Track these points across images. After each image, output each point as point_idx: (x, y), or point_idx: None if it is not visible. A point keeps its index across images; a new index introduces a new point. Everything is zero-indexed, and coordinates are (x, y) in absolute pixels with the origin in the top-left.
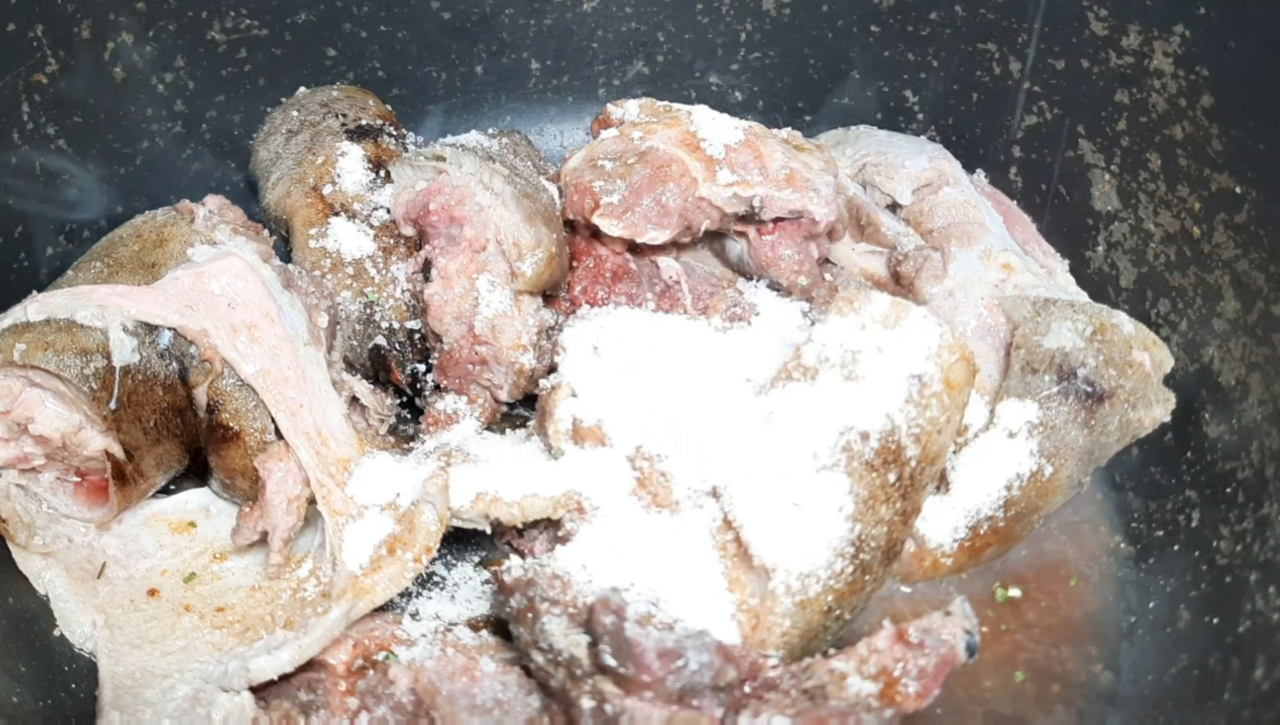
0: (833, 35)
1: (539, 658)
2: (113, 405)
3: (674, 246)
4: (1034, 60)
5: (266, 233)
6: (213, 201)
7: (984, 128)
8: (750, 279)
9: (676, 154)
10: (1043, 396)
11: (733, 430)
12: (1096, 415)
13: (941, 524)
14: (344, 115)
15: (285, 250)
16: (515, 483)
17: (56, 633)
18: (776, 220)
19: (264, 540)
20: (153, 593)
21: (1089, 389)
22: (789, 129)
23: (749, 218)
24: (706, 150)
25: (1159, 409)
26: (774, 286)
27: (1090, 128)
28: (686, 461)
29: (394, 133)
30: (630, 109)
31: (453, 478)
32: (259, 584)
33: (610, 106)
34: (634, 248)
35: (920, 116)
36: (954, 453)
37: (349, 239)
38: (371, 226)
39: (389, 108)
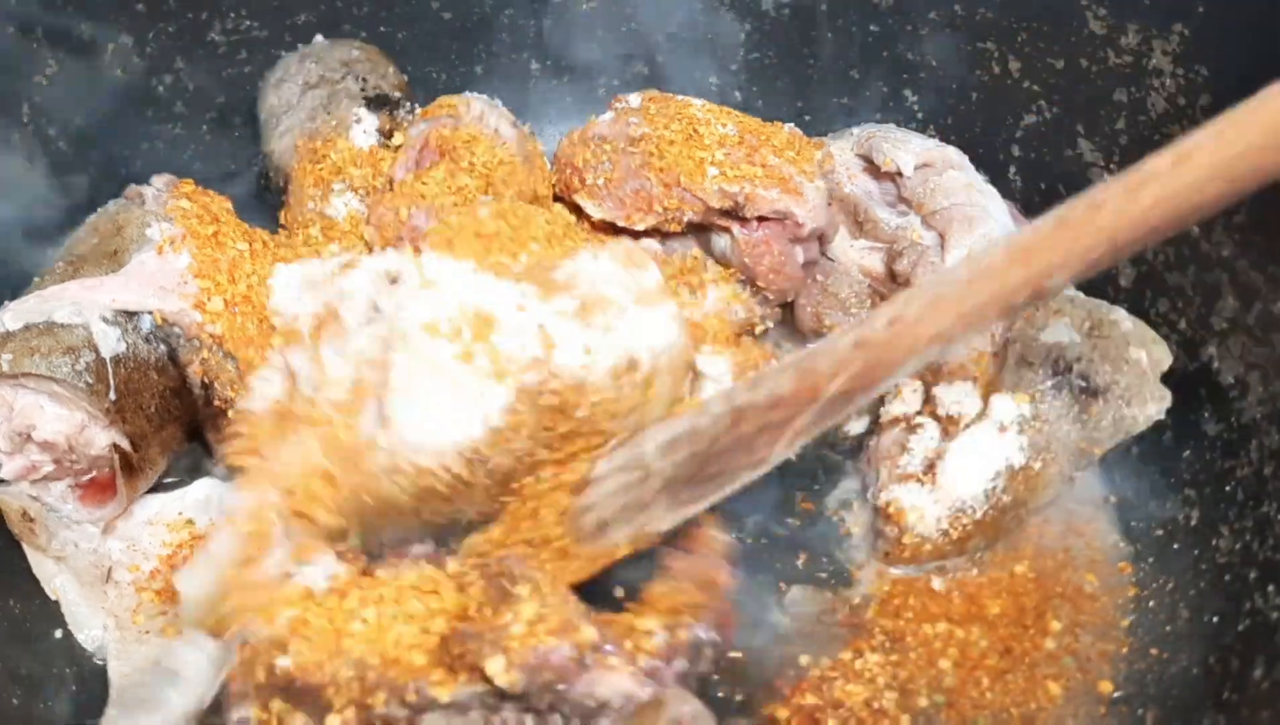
0: (832, 35)
1: None
2: (112, 396)
3: (658, 233)
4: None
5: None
6: (159, 180)
7: (983, 127)
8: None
9: (668, 142)
10: (1036, 390)
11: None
12: (1090, 411)
13: (926, 512)
14: (364, 80)
15: (280, 199)
16: None
17: (58, 634)
18: (761, 218)
19: None
20: (158, 592)
21: (1083, 384)
22: (790, 124)
23: (733, 213)
24: (700, 142)
25: (1154, 407)
26: (751, 283)
27: (1089, 127)
28: None
29: (409, 107)
30: (633, 99)
31: None
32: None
33: (614, 101)
34: (616, 229)
35: (920, 116)
36: (945, 441)
37: (348, 207)
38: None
39: (404, 78)
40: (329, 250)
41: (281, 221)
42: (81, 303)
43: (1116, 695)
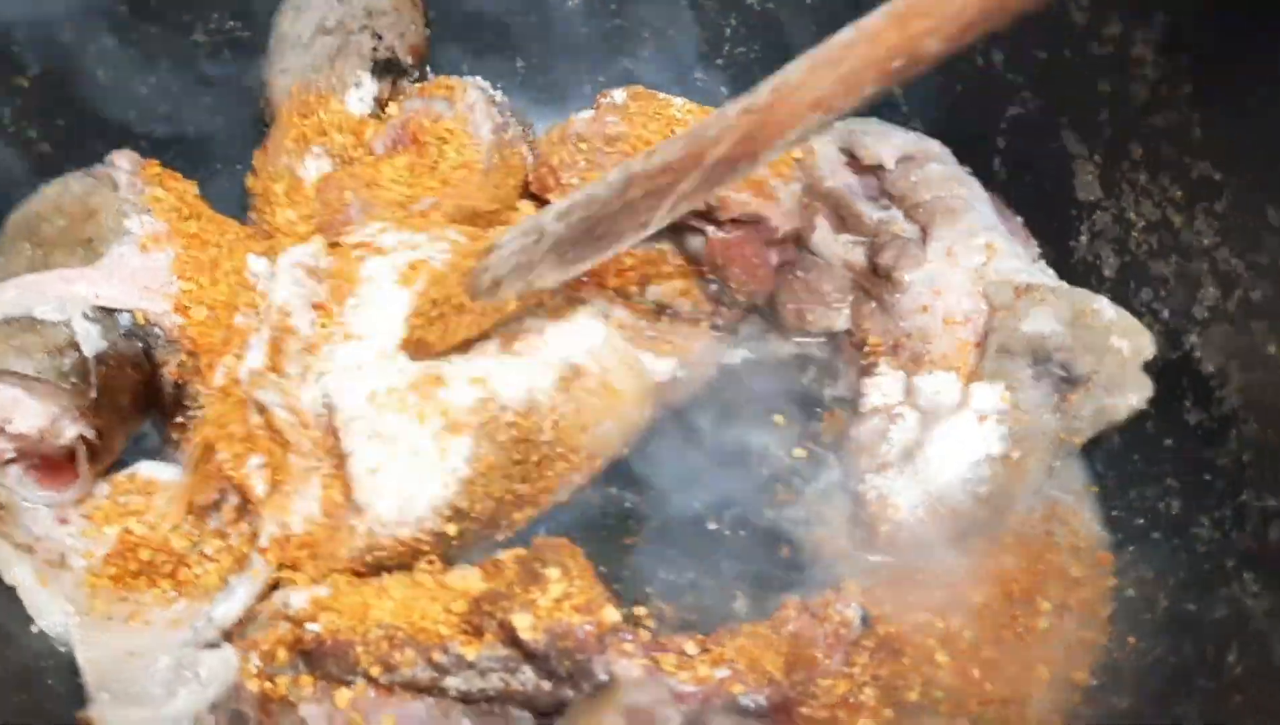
0: (816, 28)
1: None
2: (93, 394)
3: None
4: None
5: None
6: (124, 160)
7: (967, 119)
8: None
9: (644, 143)
10: (1016, 380)
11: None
12: (1070, 400)
13: (905, 501)
14: (381, 36)
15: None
16: None
17: (34, 629)
18: (734, 220)
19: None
20: (115, 577)
21: (1064, 374)
22: None
23: (707, 215)
24: None
25: (1135, 396)
26: (723, 283)
27: (1073, 118)
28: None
29: (417, 75)
30: (618, 95)
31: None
32: (203, 546)
33: (599, 96)
34: None
35: (905, 109)
36: (925, 431)
37: (320, 172)
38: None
39: (428, 33)
40: (284, 214)
41: (254, 163)
42: (63, 298)
43: (1093, 684)
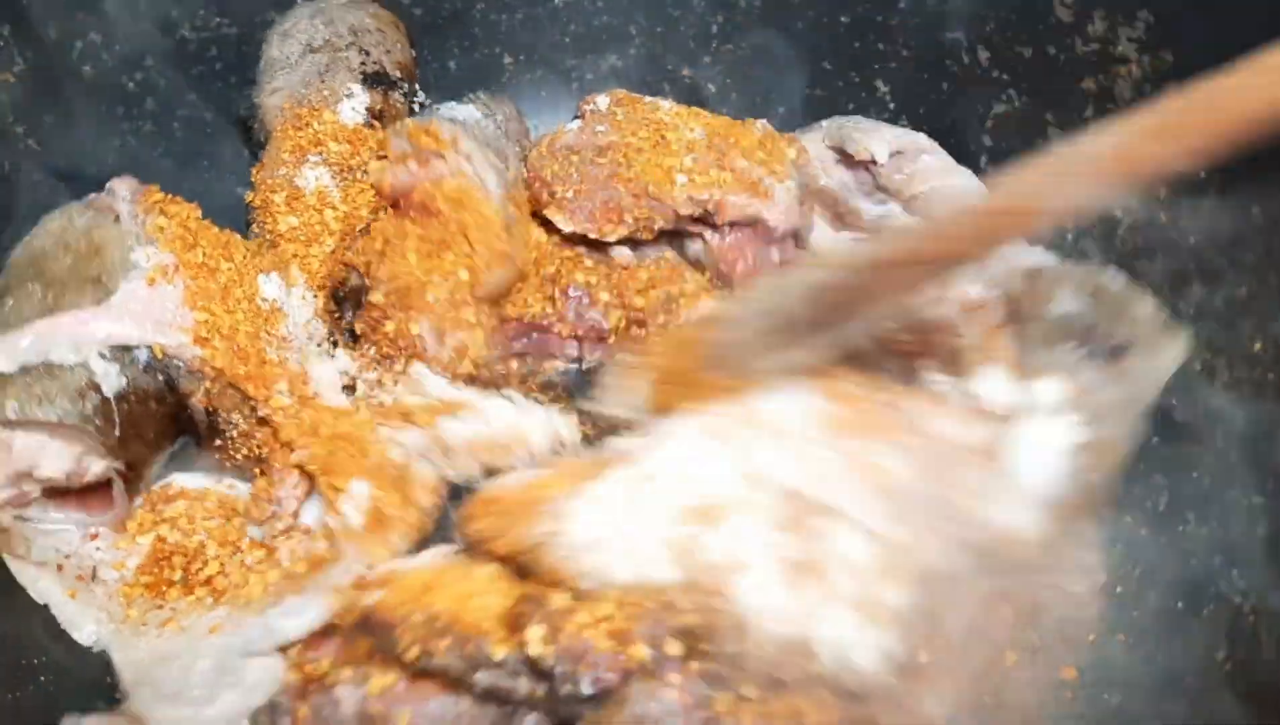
0: (803, 25)
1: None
2: (117, 433)
3: (630, 241)
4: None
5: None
6: (122, 186)
7: (954, 116)
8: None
9: (635, 151)
10: (1068, 366)
11: None
12: (1122, 368)
13: (1014, 511)
14: (368, 52)
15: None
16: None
17: (26, 630)
18: (732, 223)
19: (275, 513)
20: (150, 585)
21: (1108, 345)
22: (763, 121)
23: (704, 219)
24: (668, 148)
25: (1175, 349)
26: (728, 288)
27: (1059, 115)
28: None
29: (407, 89)
30: (601, 101)
31: (444, 428)
32: (246, 558)
33: (582, 104)
34: (588, 241)
35: (892, 106)
36: (1002, 439)
37: (318, 182)
38: (345, 181)
39: (413, 54)
40: (287, 221)
41: (252, 178)
42: (78, 340)
43: (1082, 681)
